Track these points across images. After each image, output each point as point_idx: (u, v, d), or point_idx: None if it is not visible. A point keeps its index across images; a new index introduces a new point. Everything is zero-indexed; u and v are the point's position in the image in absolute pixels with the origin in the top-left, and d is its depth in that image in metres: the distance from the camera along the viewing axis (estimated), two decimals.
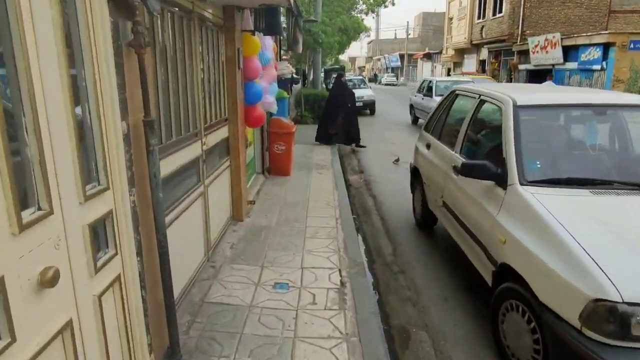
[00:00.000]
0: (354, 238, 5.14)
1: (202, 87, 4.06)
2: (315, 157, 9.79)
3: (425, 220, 5.47)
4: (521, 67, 27.37)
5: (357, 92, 19.52)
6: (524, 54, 26.87)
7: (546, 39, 24.16)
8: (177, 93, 3.41)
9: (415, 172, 5.83)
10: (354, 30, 22.12)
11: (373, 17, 44.88)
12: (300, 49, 10.18)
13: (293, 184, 7.31)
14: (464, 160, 3.90)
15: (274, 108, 6.57)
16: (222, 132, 4.84)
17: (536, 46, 24.99)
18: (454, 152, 4.37)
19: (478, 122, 4.34)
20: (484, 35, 30.91)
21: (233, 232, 5.06)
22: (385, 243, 5.35)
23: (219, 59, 4.70)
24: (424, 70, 46.12)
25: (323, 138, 11.19)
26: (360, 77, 23.27)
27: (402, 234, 5.56)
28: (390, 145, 10.74)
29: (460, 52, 36.96)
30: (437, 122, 5.31)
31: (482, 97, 4.23)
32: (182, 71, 3.51)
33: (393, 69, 62.73)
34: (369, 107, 19.07)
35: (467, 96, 4.68)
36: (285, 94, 8.70)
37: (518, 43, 27.41)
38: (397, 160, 9.54)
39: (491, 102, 4.00)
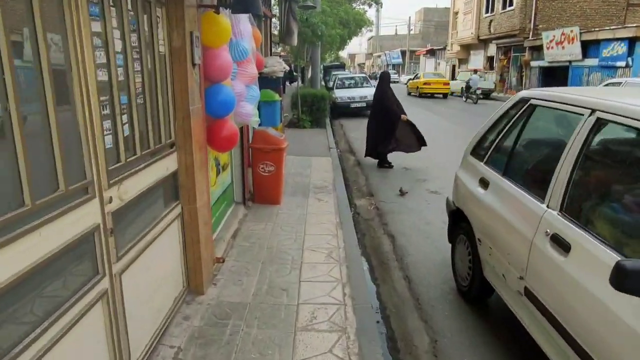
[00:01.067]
0: (371, 325, 3.34)
1: (109, 96, 2.25)
2: (313, 173, 7.98)
3: (476, 291, 3.67)
4: (533, 63, 25.49)
5: (359, 92, 17.75)
6: (537, 50, 25.02)
7: (563, 34, 22.31)
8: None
9: (457, 216, 4.02)
10: (355, 24, 20.30)
11: (377, 10, 42.93)
12: (294, 41, 8.36)
13: (283, 218, 5.50)
14: (611, 252, 2.06)
15: (255, 121, 4.76)
16: (163, 167, 3.03)
17: (551, 41, 23.15)
18: (546, 207, 2.57)
19: (600, 157, 2.54)
20: (492, 30, 29.04)
21: (184, 321, 3.24)
22: (417, 327, 3.55)
23: (154, 50, 2.87)
24: (427, 67, 44.27)
25: (379, 156, 9.05)
26: (362, 75, 21.38)
27: (441, 311, 3.75)
28: (403, 158, 8.94)
29: (466, 48, 35.13)
30: (498, 147, 3.50)
31: (602, 115, 2.41)
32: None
33: (394, 66, 60.87)
34: None
35: (561, 110, 2.86)
36: (276, 97, 6.87)
37: (530, 38, 25.54)
38: (403, 192, 7.04)
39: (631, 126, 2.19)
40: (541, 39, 23.88)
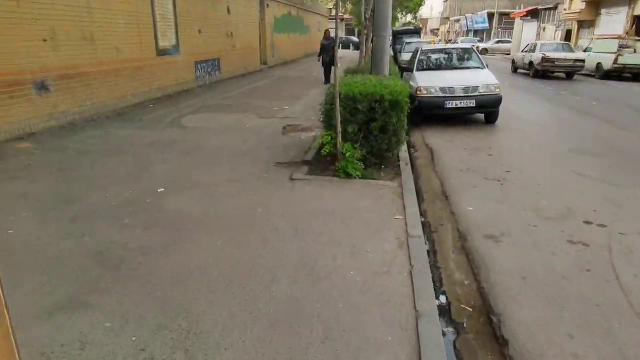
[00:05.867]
0: None
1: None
2: None
3: None
4: None
5: (463, 78, 9.70)
6: None
7: None
8: None
9: None
10: None
11: None
12: None
13: None
14: None
15: None
16: None
17: None
18: None
19: None
20: None
21: None
22: None
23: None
24: (526, 33, 34.20)
25: None
26: (466, 46, 12.21)
27: None
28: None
29: (595, 6, 25.10)
30: None
31: None
32: None
33: (476, 32, 50.46)
34: (489, 107, 9.05)
35: None
36: None
37: None
38: None
39: None
40: None
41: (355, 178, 5.50)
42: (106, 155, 6.45)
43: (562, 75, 19.02)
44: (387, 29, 7.73)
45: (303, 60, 28.00)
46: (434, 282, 3.43)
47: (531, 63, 19.25)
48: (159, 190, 5.04)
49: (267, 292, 3.09)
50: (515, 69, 21.47)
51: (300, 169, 5.96)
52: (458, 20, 58.17)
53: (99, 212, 4.43)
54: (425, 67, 10.28)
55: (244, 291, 3.10)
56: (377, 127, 5.74)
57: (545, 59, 18.22)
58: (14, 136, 7.14)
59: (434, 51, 10.86)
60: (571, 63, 18.20)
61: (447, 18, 66.06)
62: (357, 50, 42.55)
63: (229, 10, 16.28)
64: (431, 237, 4.38)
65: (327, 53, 14.47)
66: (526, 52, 20.48)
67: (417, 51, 10.88)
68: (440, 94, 8.87)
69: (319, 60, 15.34)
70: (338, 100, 5.49)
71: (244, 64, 18.09)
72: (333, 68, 14.07)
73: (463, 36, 51.92)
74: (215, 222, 4.22)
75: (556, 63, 18.17)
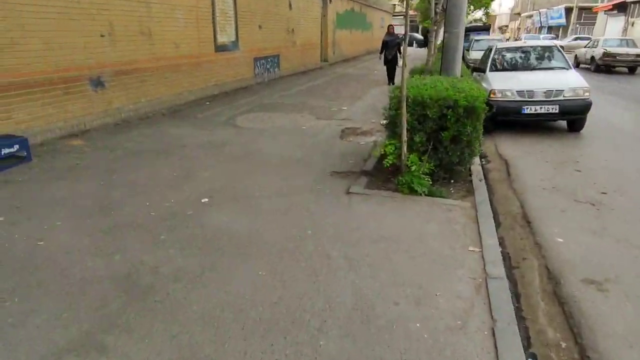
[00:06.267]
0: None
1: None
2: None
3: None
4: None
5: (544, 80, 8.64)
6: None
7: None
8: None
9: None
10: None
11: None
12: None
13: None
14: None
15: None
16: None
17: None
18: None
19: None
20: None
21: None
22: None
23: None
24: (610, 29, 31.40)
25: None
26: (547, 43, 10.92)
27: None
28: None
29: None
30: None
31: None
32: None
33: (550, 29, 47.27)
34: (575, 113, 7.96)
35: None
36: None
37: None
38: None
39: None
40: None
41: (420, 195, 4.81)
42: (154, 157, 6.16)
43: (624, 69, 19.81)
44: (461, 24, 6.91)
45: (364, 58, 27.24)
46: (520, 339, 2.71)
47: (592, 57, 20.04)
48: (202, 201, 4.62)
49: (313, 347, 2.51)
50: (577, 64, 21.47)
51: (359, 180, 5.34)
52: (530, 16, 54.83)
53: (136, 223, 4.05)
54: (499, 67, 9.30)
55: (284, 342, 2.54)
56: (448, 137, 5.00)
57: (606, 54, 19.00)
58: (68, 132, 7.04)
59: (510, 49, 9.81)
60: (632, 58, 18.98)
61: (518, 14, 62.54)
62: (420, 47, 41.14)
63: (290, 5, 15.88)
64: (512, 274, 3.62)
65: (390, 50, 13.49)
66: (588, 47, 21.20)
67: (490, 49, 9.89)
68: (518, 98, 7.91)
69: (380, 58, 14.35)
70: (405, 105, 4.82)
71: (303, 61, 17.67)
72: (397, 67, 13.33)
73: (534, 32, 48.77)
74: (258, 245, 3.70)
75: (617, 58, 18.97)
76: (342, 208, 4.51)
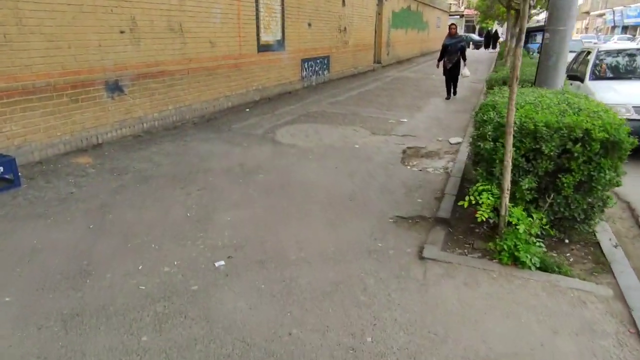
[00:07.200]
0: None
1: None
2: None
3: None
4: None
5: None
6: None
7: None
8: None
9: None
10: None
11: None
12: None
13: None
14: None
15: None
16: None
17: None
18: None
19: None
20: None
21: None
22: None
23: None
24: None
25: None
26: None
27: None
28: None
29: None
30: None
31: None
32: None
33: (626, 29, 43.25)
34: None
35: None
36: None
37: None
38: None
39: None
40: None
41: (529, 267, 3.26)
42: (168, 185, 4.91)
43: None
44: (571, 20, 5.21)
45: (419, 60, 25.42)
46: None
47: None
48: (216, 264, 3.28)
49: None
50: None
51: (433, 232, 3.86)
52: (602, 15, 50.63)
53: (112, 309, 2.76)
54: (601, 75, 7.47)
55: None
56: (571, 183, 3.42)
57: None
58: (76, 147, 5.95)
59: (613, 52, 7.91)
60: None
61: (587, 12, 58.10)
62: (477, 49, 38.48)
63: (343, 1, 14.45)
64: None
65: (451, 57, 10.85)
66: None
67: (587, 53, 8.05)
68: (635, 116, 6.11)
69: (437, 66, 11.57)
70: (511, 138, 3.27)
71: (354, 63, 16.19)
72: (461, 77, 11.36)
73: (605, 33, 44.82)
74: None
75: None
76: (414, 289, 3.03)
